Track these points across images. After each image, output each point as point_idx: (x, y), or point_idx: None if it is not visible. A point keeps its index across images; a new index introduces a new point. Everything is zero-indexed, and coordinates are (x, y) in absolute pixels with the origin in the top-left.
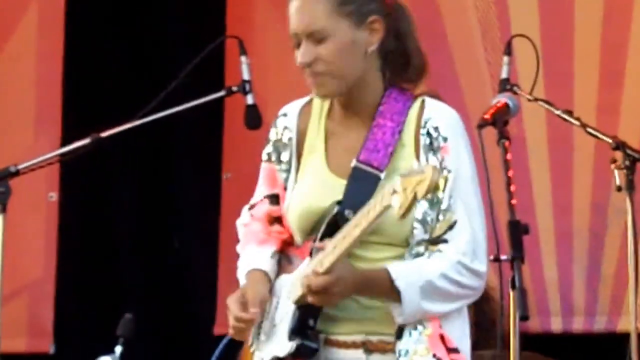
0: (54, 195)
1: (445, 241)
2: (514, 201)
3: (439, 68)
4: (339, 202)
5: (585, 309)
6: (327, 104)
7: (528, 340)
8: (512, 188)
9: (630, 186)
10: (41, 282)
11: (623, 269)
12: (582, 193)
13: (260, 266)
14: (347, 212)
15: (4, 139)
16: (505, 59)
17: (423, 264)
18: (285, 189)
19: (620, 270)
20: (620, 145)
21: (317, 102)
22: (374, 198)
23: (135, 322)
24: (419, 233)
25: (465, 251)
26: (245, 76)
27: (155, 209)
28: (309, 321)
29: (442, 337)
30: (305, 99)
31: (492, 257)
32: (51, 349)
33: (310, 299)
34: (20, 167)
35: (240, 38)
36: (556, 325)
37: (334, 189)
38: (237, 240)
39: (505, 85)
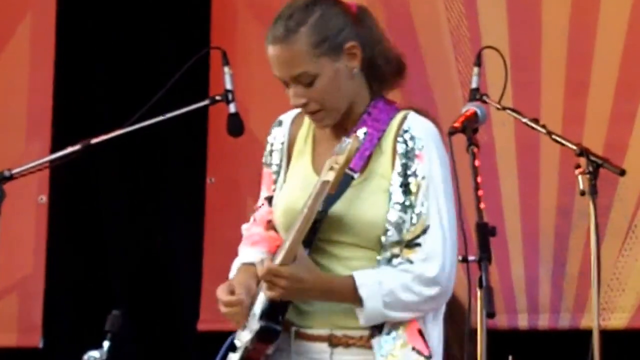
0: (43, 198)
1: (419, 245)
2: (482, 205)
3: (412, 78)
4: None
5: (551, 306)
6: None
7: (495, 337)
8: (480, 193)
9: (593, 191)
10: (31, 280)
11: (586, 269)
12: (548, 197)
13: (248, 260)
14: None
15: None
16: (475, 69)
17: (388, 274)
18: (274, 190)
19: (583, 270)
20: (584, 152)
21: None
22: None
23: (123, 318)
24: (392, 235)
25: (433, 258)
26: (228, 86)
27: (142, 210)
28: (278, 315)
29: (420, 332)
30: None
31: (460, 258)
32: (40, 344)
33: (267, 292)
34: (14, 171)
35: (223, 49)
36: (522, 322)
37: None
38: (220, 241)
39: (475, 95)
